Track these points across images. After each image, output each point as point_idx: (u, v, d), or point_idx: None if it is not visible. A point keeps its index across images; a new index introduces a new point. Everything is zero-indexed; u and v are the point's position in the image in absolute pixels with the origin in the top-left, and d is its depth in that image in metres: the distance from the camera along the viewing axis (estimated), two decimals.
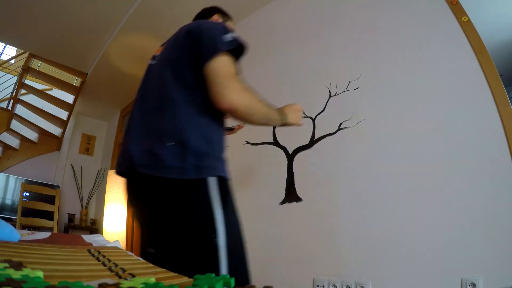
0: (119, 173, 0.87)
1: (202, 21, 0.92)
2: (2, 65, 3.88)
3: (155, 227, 0.78)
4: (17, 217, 2.48)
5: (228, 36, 0.80)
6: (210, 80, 0.77)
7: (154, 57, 0.99)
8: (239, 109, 0.78)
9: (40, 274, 0.34)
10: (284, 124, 0.97)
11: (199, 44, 0.80)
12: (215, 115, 0.83)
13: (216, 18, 1.09)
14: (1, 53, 4.13)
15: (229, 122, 0.95)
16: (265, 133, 1.93)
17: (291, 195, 1.68)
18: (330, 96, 1.68)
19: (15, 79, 3.78)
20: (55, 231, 2.67)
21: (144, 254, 0.79)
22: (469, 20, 1.29)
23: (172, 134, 0.75)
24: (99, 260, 0.51)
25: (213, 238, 0.69)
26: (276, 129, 1.89)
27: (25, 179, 3.60)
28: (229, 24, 1.10)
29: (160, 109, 0.80)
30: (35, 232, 1.26)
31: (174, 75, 0.82)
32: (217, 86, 0.76)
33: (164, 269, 0.48)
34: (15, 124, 3.56)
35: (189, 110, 0.79)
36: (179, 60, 0.84)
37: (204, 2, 2.31)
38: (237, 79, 0.79)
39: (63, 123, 3.96)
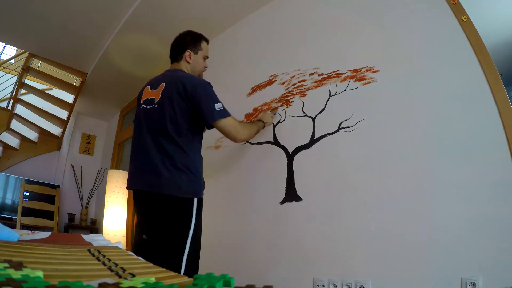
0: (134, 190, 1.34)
1: (194, 81, 1.30)
2: (2, 65, 3.88)
3: (153, 222, 1.27)
4: (17, 217, 2.48)
5: (218, 106, 1.28)
6: (222, 131, 1.32)
7: (147, 102, 1.35)
8: (245, 140, 1.47)
9: (40, 274, 0.34)
10: (265, 126, 1.74)
11: (200, 110, 1.26)
12: (199, 152, 1.36)
13: (188, 54, 1.46)
14: (1, 53, 4.13)
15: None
16: (265, 133, 1.94)
17: (291, 194, 1.68)
18: (330, 96, 1.68)
19: (15, 79, 3.78)
20: (55, 230, 2.67)
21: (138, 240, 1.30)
22: (469, 19, 1.29)
23: (182, 168, 1.24)
24: (99, 260, 0.51)
25: (187, 232, 1.20)
26: (276, 128, 1.89)
27: (25, 179, 3.60)
28: (204, 50, 1.52)
29: (164, 149, 1.25)
30: (35, 232, 1.26)
31: (172, 125, 1.25)
32: (229, 135, 1.33)
33: (164, 269, 0.48)
34: (15, 124, 3.56)
35: (188, 149, 1.27)
36: (177, 115, 1.25)
37: (204, 2, 2.32)
38: (236, 125, 1.34)
39: (63, 123, 3.96)
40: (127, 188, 1.35)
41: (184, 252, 1.17)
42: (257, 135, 1.95)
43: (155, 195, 1.21)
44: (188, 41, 1.47)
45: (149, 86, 1.39)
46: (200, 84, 1.28)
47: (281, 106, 1.92)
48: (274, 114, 1.90)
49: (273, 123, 1.90)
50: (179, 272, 0.98)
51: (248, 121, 1.70)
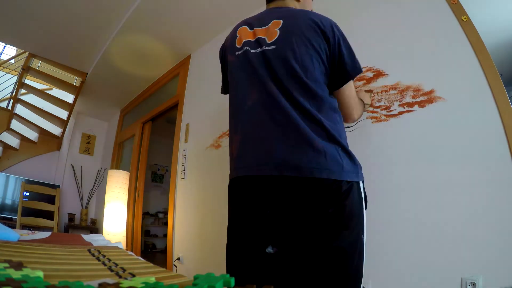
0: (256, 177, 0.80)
1: (327, 18, 0.91)
2: (2, 65, 3.88)
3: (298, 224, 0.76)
4: (17, 217, 2.48)
5: (357, 59, 0.89)
6: (345, 99, 0.90)
7: (251, 44, 0.90)
8: (355, 120, 1.01)
9: (40, 274, 0.34)
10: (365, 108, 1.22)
11: (341, 57, 0.85)
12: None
13: None
14: (1, 53, 4.13)
15: None
16: None
17: None
18: None
19: (15, 79, 3.79)
20: (55, 231, 2.67)
21: (259, 255, 0.77)
22: (469, 19, 1.29)
23: (332, 136, 0.78)
24: (99, 260, 0.51)
25: (362, 235, 0.81)
26: None
27: (25, 179, 3.60)
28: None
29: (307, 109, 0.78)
30: (35, 232, 1.26)
31: (313, 78, 0.81)
32: (350, 108, 0.92)
33: (164, 269, 0.48)
34: (15, 124, 3.56)
35: (334, 110, 0.85)
36: (314, 63, 0.82)
37: (205, 2, 2.32)
38: (358, 100, 0.96)
39: (63, 123, 3.96)
40: (233, 177, 0.85)
41: (362, 269, 0.78)
42: None
43: (302, 181, 0.73)
44: None
45: (247, 27, 0.95)
46: (336, 24, 0.89)
47: None
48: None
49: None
50: None
51: None
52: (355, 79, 1.10)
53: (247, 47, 0.90)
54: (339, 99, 0.89)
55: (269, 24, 0.89)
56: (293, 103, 0.78)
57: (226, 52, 0.99)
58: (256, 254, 0.76)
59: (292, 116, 0.76)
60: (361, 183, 0.83)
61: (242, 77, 0.89)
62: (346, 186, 0.76)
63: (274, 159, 0.75)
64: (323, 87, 0.83)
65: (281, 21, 0.88)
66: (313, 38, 0.84)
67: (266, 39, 0.87)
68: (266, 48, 0.86)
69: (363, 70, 1.57)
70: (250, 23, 0.95)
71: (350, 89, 0.88)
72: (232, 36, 0.98)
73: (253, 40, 0.90)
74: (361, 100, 1.13)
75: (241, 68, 0.90)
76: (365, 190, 0.86)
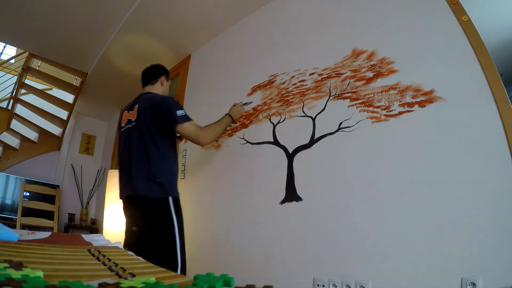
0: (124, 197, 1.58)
1: (163, 100, 1.58)
2: (2, 65, 3.88)
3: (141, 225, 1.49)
4: (17, 217, 2.48)
5: (179, 114, 1.52)
6: (184, 136, 1.58)
7: (129, 121, 1.62)
8: (210, 143, 1.73)
9: (40, 274, 0.34)
10: (235, 121, 1.93)
11: (165, 120, 1.51)
12: (174, 159, 1.59)
13: (163, 79, 1.82)
14: (1, 53, 4.13)
15: None
16: (265, 133, 1.94)
17: (291, 194, 1.68)
18: (330, 95, 1.68)
19: (15, 79, 3.78)
20: (55, 230, 2.67)
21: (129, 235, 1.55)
22: (469, 19, 1.29)
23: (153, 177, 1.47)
24: (99, 260, 0.51)
25: (172, 229, 1.43)
26: (276, 128, 1.89)
27: (25, 179, 3.60)
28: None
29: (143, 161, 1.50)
30: (35, 231, 1.26)
31: (150, 139, 1.51)
32: (191, 139, 1.57)
33: (164, 269, 0.48)
34: (15, 124, 3.56)
35: (160, 158, 1.52)
36: (151, 129, 1.51)
37: (204, 2, 2.32)
38: (198, 130, 1.57)
39: (63, 123, 3.96)
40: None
41: (175, 249, 1.43)
42: (256, 134, 1.95)
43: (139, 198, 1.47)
44: (163, 71, 1.88)
45: (126, 111, 1.69)
46: (166, 100, 1.59)
47: (281, 106, 1.92)
48: (245, 103, 1.94)
49: (273, 123, 1.90)
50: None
51: (215, 122, 1.74)
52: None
53: (125, 125, 1.64)
54: (182, 136, 1.64)
55: (133, 109, 1.61)
56: (138, 158, 1.50)
57: (118, 127, 1.73)
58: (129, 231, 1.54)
59: (137, 164, 1.50)
60: (170, 198, 1.46)
61: (121, 144, 1.65)
62: (155, 201, 1.44)
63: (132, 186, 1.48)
64: (158, 145, 1.50)
65: (137, 105, 1.60)
66: (151, 114, 1.52)
67: (132, 119, 1.59)
68: (130, 125, 1.59)
69: (363, 69, 1.58)
70: (128, 107, 1.68)
71: (183, 131, 1.53)
72: (120, 117, 1.73)
73: (126, 120, 1.63)
74: (228, 115, 1.80)
75: (121, 139, 1.67)
76: (176, 202, 1.49)
